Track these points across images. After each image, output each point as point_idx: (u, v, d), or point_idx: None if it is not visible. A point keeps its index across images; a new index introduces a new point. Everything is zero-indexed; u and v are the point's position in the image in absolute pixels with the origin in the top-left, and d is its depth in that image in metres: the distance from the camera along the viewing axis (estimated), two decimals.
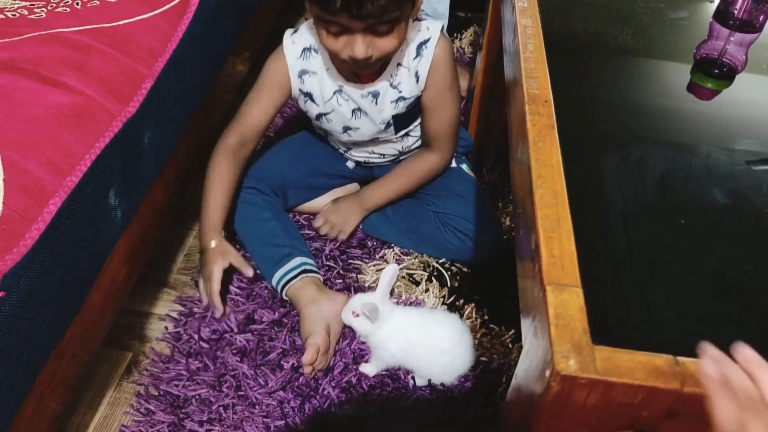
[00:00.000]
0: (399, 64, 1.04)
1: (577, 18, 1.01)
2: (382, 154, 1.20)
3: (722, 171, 0.81)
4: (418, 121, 1.15)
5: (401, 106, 1.08)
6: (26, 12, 0.83)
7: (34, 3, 0.85)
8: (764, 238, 0.68)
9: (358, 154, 1.22)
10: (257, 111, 1.09)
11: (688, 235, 0.70)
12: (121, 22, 0.85)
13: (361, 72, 1.01)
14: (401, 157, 1.23)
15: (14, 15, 0.82)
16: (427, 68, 1.04)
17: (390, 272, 1.01)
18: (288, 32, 1.08)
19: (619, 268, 0.65)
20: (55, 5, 0.85)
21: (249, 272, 1.05)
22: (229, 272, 1.07)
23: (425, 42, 1.03)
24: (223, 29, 1.16)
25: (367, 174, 1.27)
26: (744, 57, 0.97)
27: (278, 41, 1.78)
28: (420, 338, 0.95)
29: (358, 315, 0.97)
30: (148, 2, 0.90)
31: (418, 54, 1.04)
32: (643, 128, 0.87)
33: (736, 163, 0.82)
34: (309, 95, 1.08)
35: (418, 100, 1.09)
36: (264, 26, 1.61)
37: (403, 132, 1.15)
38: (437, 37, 1.03)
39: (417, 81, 1.06)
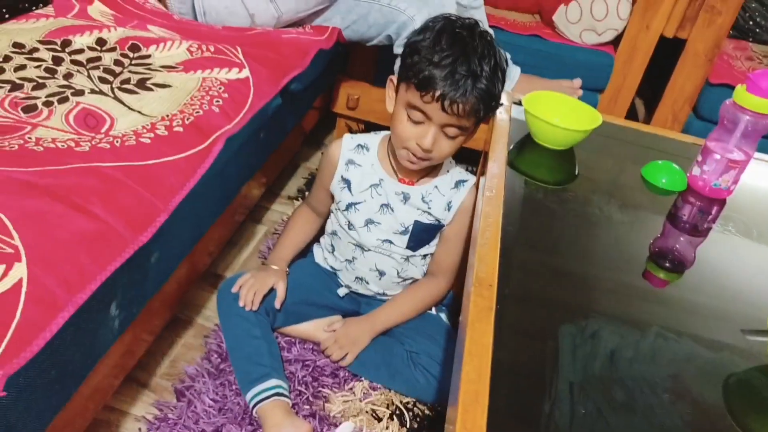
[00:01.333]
0: (436, 187, 1.25)
1: (545, 207, 1.14)
2: (379, 273, 1.32)
3: (666, 355, 0.91)
4: (424, 250, 1.29)
5: (425, 218, 1.25)
6: (73, 144, 0.98)
7: (81, 136, 1.01)
8: (698, 425, 0.74)
9: (357, 274, 1.33)
10: (319, 193, 1.36)
11: (626, 412, 0.79)
12: (150, 162, 1.00)
13: (409, 166, 1.17)
14: (387, 292, 1.35)
15: (63, 146, 0.98)
16: (459, 204, 1.25)
17: (348, 428, 1.13)
18: (348, 134, 1.32)
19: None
20: (98, 141, 1.01)
21: (278, 304, 1.28)
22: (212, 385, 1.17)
23: (463, 181, 1.26)
24: (241, 166, 1.32)
25: (353, 308, 1.39)
26: (693, 255, 1.09)
27: (294, 170, 1.94)
28: None
29: None
30: (176, 147, 1.05)
31: (456, 187, 1.26)
32: (600, 304, 0.98)
33: (681, 349, 0.92)
34: (348, 183, 1.27)
35: (438, 228, 1.27)
36: (284, 157, 1.78)
37: (411, 249, 1.28)
38: (472, 183, 1.27)
39: (448, 210, 1.25)
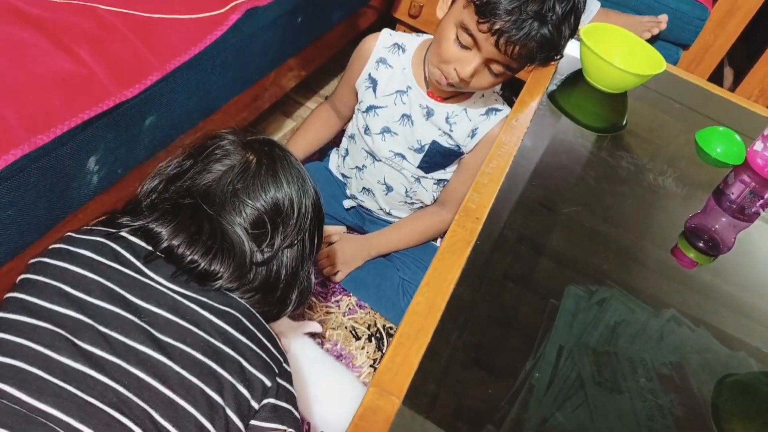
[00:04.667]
0: (465, 110, 1.13)
1: (576, 151, 1.02)
2: (387, 188, 1.24)
3: (675, 341, 0.81)
4: (438, 174, 1.20)
5: (444, 140, 1.15)
6: None
7: None
8: (681, 422, 0.67)
9: (364, 184, 1.26)
10: (343, 90, 1.28)
11: (610, 391, 0.70)
12: (155, 15, 0.92)
13: (437, 86, 1.07)
14: (393, 212, 1.27)
15: None
16: (485, 133, 1.12)
17: (314, 327, 1.08)
18: (387, 29, 1.20)
19: (530, 395, 0.65)
20: None
21: None
22: None
23: (496, 110, 1.13)
24: (268, 47, 1.22)
25: (357, 223, 1.32)
26: (732, 240, 0.97)
27: (339, 70, 1.83)
28: (308, 382, 0.97)
29: None
30: (191, 7, 0.97)
31: (486, 114, 1.13)
32: (620, 273, 0.88)
33: (693, 338, 0.82)
34: (374, 83, 1.17)
35: (457, 155, 1.16)
36: (327, 51, 1.67)
37: (423, 170, 1.19)
38: (505, 115, 1.12)
39: (472, 137, 1.13)
